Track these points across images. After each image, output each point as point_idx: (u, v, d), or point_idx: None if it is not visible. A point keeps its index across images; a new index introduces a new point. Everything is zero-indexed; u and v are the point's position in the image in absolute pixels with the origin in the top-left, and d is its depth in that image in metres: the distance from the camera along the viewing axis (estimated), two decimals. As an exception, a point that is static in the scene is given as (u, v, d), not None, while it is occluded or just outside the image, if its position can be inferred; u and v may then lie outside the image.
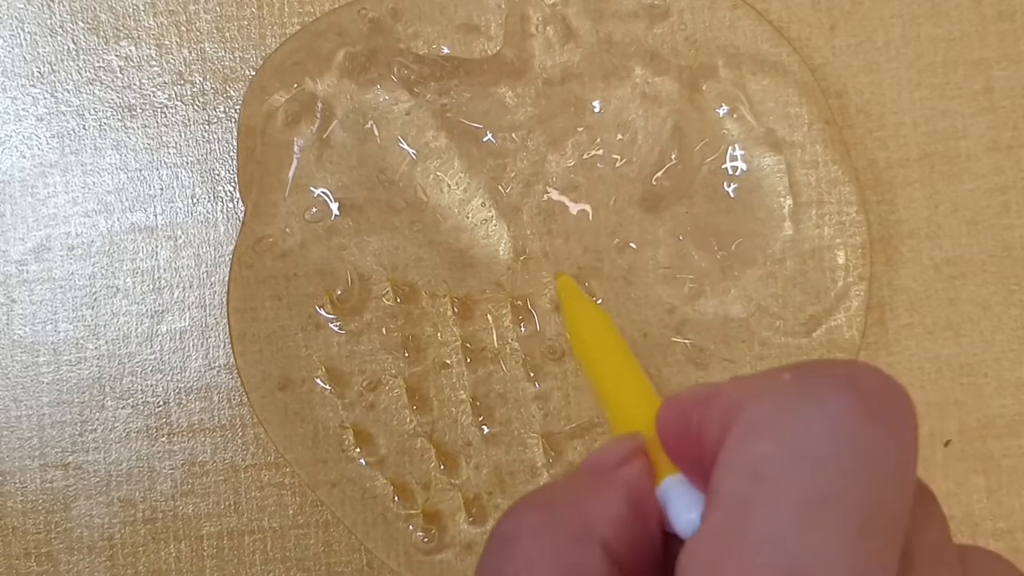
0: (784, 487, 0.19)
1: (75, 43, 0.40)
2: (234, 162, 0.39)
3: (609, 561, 0.21)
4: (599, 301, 0.39)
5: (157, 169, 0.40)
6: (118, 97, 0.40)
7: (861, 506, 0.19)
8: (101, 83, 0.40)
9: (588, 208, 0.39)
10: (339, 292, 0.38)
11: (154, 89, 0.40)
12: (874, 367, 0.21)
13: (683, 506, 0.22)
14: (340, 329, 0.38)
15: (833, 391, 0.20)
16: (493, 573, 0.22)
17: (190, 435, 0.39)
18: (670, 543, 0.23)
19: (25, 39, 0.40)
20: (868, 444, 0.19)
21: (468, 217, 0.39)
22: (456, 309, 0.39)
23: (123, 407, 0.39)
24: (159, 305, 0.39)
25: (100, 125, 0.40)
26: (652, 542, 0.23)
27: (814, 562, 0.18)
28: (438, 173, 0.39)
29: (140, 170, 0.40)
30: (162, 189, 0.40)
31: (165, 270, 0.40)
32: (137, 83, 0.40)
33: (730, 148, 0.39)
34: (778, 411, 0.20)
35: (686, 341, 0.39)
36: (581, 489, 0.23)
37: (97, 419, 0.39)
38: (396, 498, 0.38)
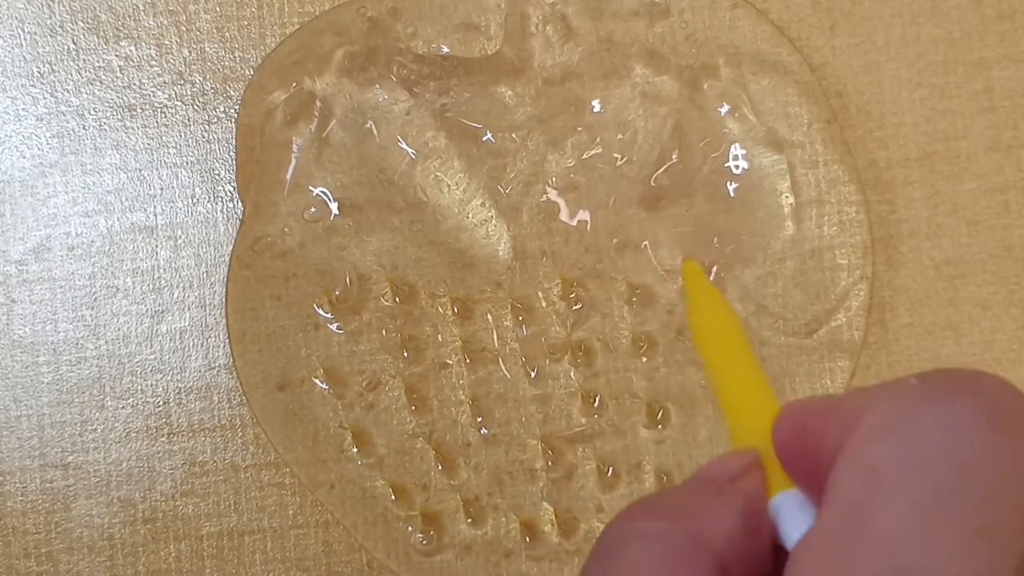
0: (902, 488, 0.19)
1: (75, 43, 0.40)
2: (234, 162, 0.39)
3: (719, 572, 0.21)
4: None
5: (157, 169, 0.39)
6: (118, 97, 0.40)
7: (978, 512, 0.19)
8: (101, 83, 0.40)
9: (588, 209, 0.38)
10: (338, 292, 0.38)
11: (154, 89, 0.39)
12: (1001, 378, 0.20)
13: (796, 521, 0.22)
14: (339, 329, 0.38)
15: (958, 397, 0.20)
16: (602, 572, 0.22)
17: (190, 435, 0.38)
18: (780, 558, 0.22)
19: (25, 39, 0.40)
20: (989, 452, 0.19)
21: (468, 217, 0.38)
22: (456, 309, 0.38)
23: (123, 407, 0.39)
24: (159, 305, 0.39)
25: (100, 125, 0.39)
26: (762, 556, 0.22)
27: (927, 563, 0.18)
28: (438, 173, 0.38)
29: (140, 170, 0.39)
30: (162, 189, 0.39)
31: (165, 270, 0.39)
32: (137, 83, 0.40)
33: (731, 147, 0.38)
34: (900, 414, 0.20)
35: (687, 342, 0.38)
36: (696, 499, 0.23)
37: (97, 419, 0.38)
38: (394, 498, 0.37)
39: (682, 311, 0.38)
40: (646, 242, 0.38)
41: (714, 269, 0.38)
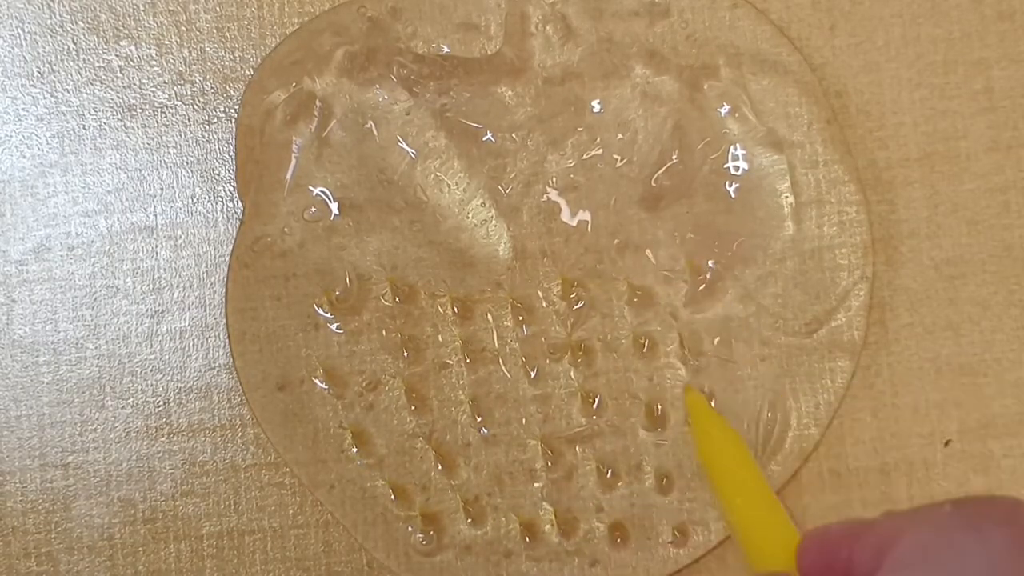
0: None
1: (75, 43, 0.40)
2: (234, 162, 0.38)
3: None
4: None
5: (157, 169, 0.39)
6: (118, 97, 0.39)
7: None
8: (101, 83, 0.39)
9: (588, 209, 0.38)
10: (338, 292, 0.38)
11: (154, 89, 0.39)
12: None
13: None
14: (339, 329, 0.38)
15: (994, 525, 0.20)
16: None
17: (190, 435, 0.38)
18: None
19: (25, 39, 0.39)
20: None
21: (468, 217, 0.38)
22: (456, 309, 0.38)
23: (123, 407, 0.38)
24: (159, 305, 0.39)
25: (100, 125, 0.39)
26: None
27: None
28: (438, 173, 0.38)
29: (140, 170, 0.39)
30: (162, 189, 0.39)
31: (165, 270, 0.39)
32: (137, 83, 0.39)
33: (731, 147, 0.38)
34: (936, 540, 0.20)
35: (686, 343, 0.38)
36: None
37: (97, 419, 0.38)
38: (394, 498, 0.37)
39: (682, 311, 0.38)
40: (648, 248, 0.38)
41: (713, 268, 0.38)
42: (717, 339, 0.38)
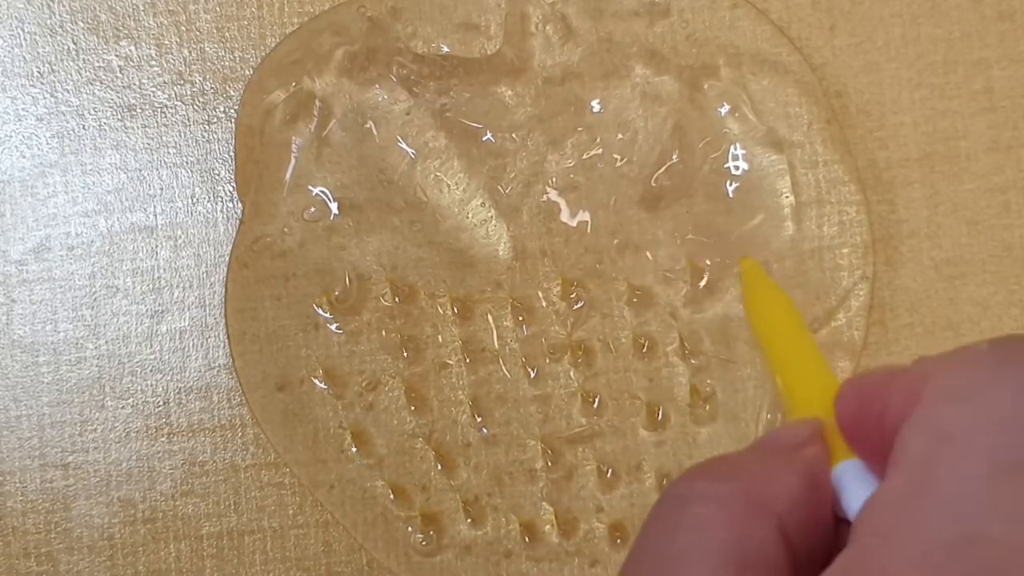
0: (974, 449, 0.18)
1: (75, 43, 0.39)
2: (234, 162, 0.38)
3: (781, 537, 0.21)
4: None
5: (157, 169, 0.39)
6: (118, 97, 0.39)
7: None
8: (101, 83, 0.39)
9: (588, 210, 0.38)
10: (338, 292, 0.37)
11: (154, 89, 0.39)
12: None
13: (858, 491, 0.22)
14: (339, 329, 0.37)
15: None
16: (663, 531, 0.21)
17: (190, 435, 0.38)
18: (841, 529, 0.22)
19: (25, 39, 0.39)
20: None
21: (468, 217, 0.38)
22: (456, 309, 0.38)
23: (123, 407, 0.38)
24: (159, 305, 0.38)
25: (100, 125, 0.39)
26: (824, 526, 0.22)
27: (1001, 531, 0.18)
28: (438, 173, 0.38)
29: (140, 170, 0.39)
30: (162, 189, 0.39)
31: (165, 270, 0.39)
32: (137, 83, 0.39)
33: (731, 147, 0.38)
34: (971, 376, 0.19)
35: (686, 343, 0.38)
36: (760, 464, 0.22)
37: (97, 419, 0.38)
38: (393, 497, 0.37)
39: (682, 311, 0.38)
40: (648, 248, 0.38)
41: (713, 268, 0.38)
42: (717, 339, 0.37)
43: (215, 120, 0.39)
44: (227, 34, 0.39)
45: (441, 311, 0.38)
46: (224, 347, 0.38)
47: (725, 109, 0.38)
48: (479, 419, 0.37)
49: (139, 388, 0.38)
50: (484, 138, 0.38)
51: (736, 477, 0.22)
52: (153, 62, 0.39)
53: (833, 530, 0.22)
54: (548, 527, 0.37)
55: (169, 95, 0.39)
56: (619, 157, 0.38)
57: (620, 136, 0.38)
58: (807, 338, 0.28)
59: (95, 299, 0.38)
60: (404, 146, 0.38)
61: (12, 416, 0.38)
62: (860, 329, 0.37)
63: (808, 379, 0.26)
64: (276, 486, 0.38)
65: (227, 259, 0.38)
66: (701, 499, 0.21)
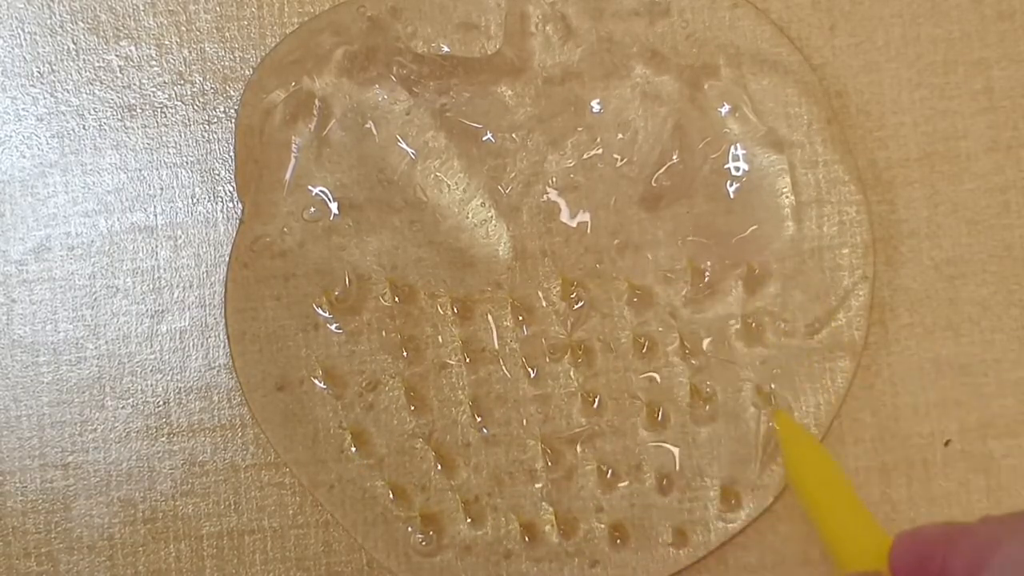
0: None
1: (75, 43, 0.39)
2: (234, 162, 0.38)
3: None
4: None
5: (157, 169, 0.39)
6: (118, 97, 0.39)
7: None
8: (101, 83, 0.39)
9: (588, 210, 0.38)
10: (337, 292, 0.37)
11: (154, 89, 0.39)
12: None
13: None
14: (339, 329, 0.37)
15: None
16: None
17: (190, 435, 0.38)
18: None
19: (25, 39, 0.39)
20: None
21: (468, 217, 0.38)
22: (455, 309, 0.37)
23: (123, 407, 0.38)
24: (159, 305, 0.38)
25: (100, 125, 0.39)
26: None
27: None
28: (438, 173, 0.38)
29: (140, 170, 0.39)
30: (162, 189, 0.39)
31: (165, 270, 0.38)
32: (137, 83, 0.39)
33: (731, 147, 0.38)
34: None
35: (686, 343, 0.37)
36: None
37: (97, 419, 0.38)
38: (393, 497, 0.37)
39: (682, 311, 0.37)
40: (648, 248, 0.37)
41: (713, 268, 0.37)
42: (717, 339, 0.37)
43: (215, 120, 0.39)
44: (227, 34, 0.39)
45: (441, 311, 0.37)
46: (224, 347, 0.38)
47: (725, 109, 0.38)
48: (479, 419, 0.37)
49: (139, 388, 0.38)
50: (484, 138, 0.38)
51: None
52: (153, 62, 0.39)
53: None
54: (548, 527, 0.37)
55: (169, 95, 0.39)
56: (619, 157, 0.38)
57: (620, 136, 0.38)
58: (850, 490, 0.28)
59: (95, 299, 0.38)
60: (404, 146, 0.38)
61: (12, 416, 0.38)
62: (860, 329, 0.37)
63: (855, 529, 0.26)
64: (276, 486, 0.38)
65: (227, 259, 0.38)
66: None
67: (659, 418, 0.37)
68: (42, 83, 0.39)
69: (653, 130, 0.38)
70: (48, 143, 0.39)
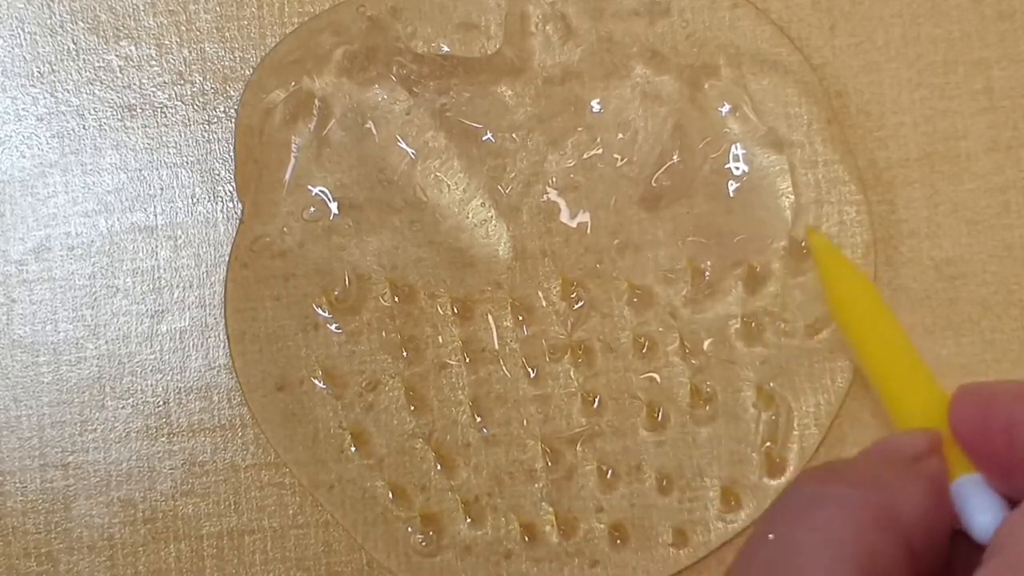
0: None
1: (75, 43, 0.39)
2: (234, 162, 0.38)
3: (908, 552, 0.21)
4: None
5: (157, 169, 0.38)
6: (118, 97, 0.39)
7: None
8: (101, 83, 0.39)
9: (588, 209, 0.38)
10: (337, 292, 0.37)
11: (154, 89, 0.39)
12: None
13: (980, 507, 0.22)
14: (338, 329, 0.37)
15: None
16: (789, 526, 0.21)
17: (190, 435, 0.38)
18: (956, 541, 0.22)
19: (25, 39, 0.39)
20: None
21: (467, 217, 0.38)
22: (455, 309, 0.37)
23: (123, 407, 0.38)
24: (159, 305, 0.38)
25: (100, 125, 0.39)
26: (944, 538, 0.22)
27: None
28: (438, 173, 0.38)
29: (140, 170, 0.38)
30: (162, 189, 0.38)
31: (165, 270, 0.38)
32: (137, 83, 0.39)
33: (732, 147, 0.37)
34: None
35: (687, 343, 0.37)
36: (886, 474, 0.22)
37: (97, 419, 0.38)
38: (392, 497, 0.37)
39: (682, 311, 0.37)
40: (648, 248, 0.37)
41: (713, 268, 0.37)
42: (717, 339, 0.37)
43: (215, 120, 0.39)
44: (227, 34, 0.39)
45: (441, 311, 0.37)
46: (224, 347, 0.37)
47: (726, 109, 0.37)
48: (479, 419, 0.37)
49: (139, 388, 0.38)
50: (484, 138, 0.37)
51: (865, 485, 0.21)
52: (153, 62, 0.39)
53: (949, 542, 0.22)
54: (548, 527, 0.36)
55: (169, 95, 0.39)
56: (619, 157, 0.37)
57: (620, 136, 0.37)
58: (905, 340, 0.27)
59: (95, 299, 0.38)
60: (404, 146, 0.37)
61: (12, 416, 0.38)
62: (861, 329, 0.37)
63: (911, 385, 0.25)
64: (276, 486, 0.37)
65: (227, 259, 0.37)
66: (832, 503, 0.21)
67: (659, 418, 0.37)
68: (42, 83, 0.39)
69: (653, 130, 0.37)
70: (48, 143, 0.39)
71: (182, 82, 0.39)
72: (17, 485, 0.37)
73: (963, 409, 0.22)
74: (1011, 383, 0.22)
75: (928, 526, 0.21)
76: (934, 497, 0.22)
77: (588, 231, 0.37)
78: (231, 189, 0.38)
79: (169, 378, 0.38)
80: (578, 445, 0.37)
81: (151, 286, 0.38)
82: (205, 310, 0.38)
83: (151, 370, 0.38)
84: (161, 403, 0.38)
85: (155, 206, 0.38)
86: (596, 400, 0.37)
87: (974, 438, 0.22)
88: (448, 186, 0.37)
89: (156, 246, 0.38)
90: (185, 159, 0.38)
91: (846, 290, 0.30)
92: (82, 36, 0.39)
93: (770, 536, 0.21)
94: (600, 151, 0.37)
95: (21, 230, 0.38)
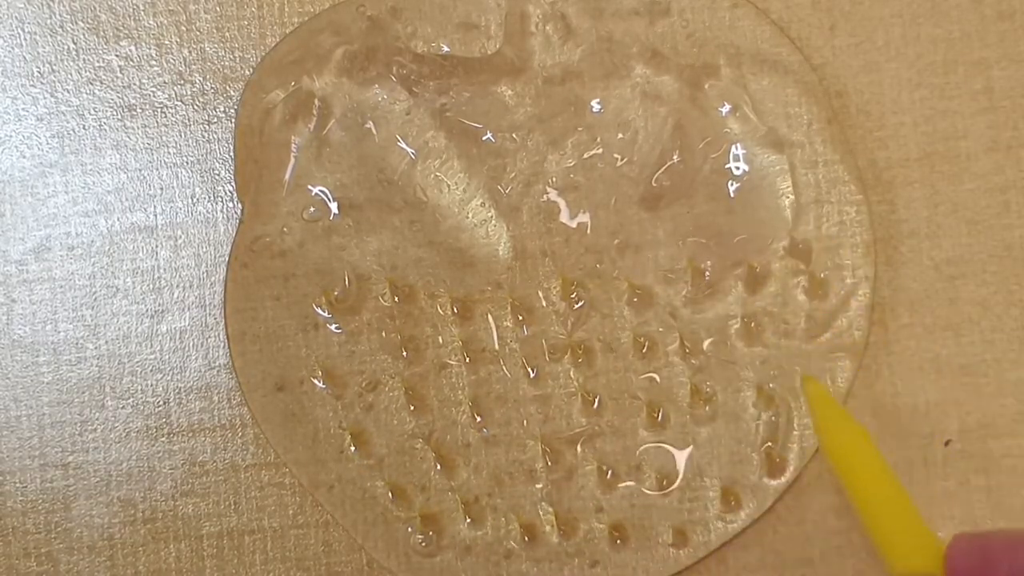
0: None
1: (75, 43, 0.39)
2: (234, 162, 0.38)
3: None
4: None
5: (157, 169, 0.38)
6: (118, 97, 0.39)
7: None
8: (101, 83, 0.39)
9: (588, 209, 0.37)
10: (337, 292, 0.37)
11: (154, 89, 0.38)
12: None
13: None
14: (338, 329, 0.37)
15: None
16: None
17: (190, 435, 0.38)
18: None
19: (25, 39, 0.39)
20: None
21: (467, 217, 0.37)
22: (455, 309, 0.37)
23: (123, 407, 0.38)
24: (159, 305, 0.38)
25: (100, 125, 0.38)
26: None
27: None
28: (438, 173, 0.37)
29: (140, 170, 0.38)
30: (162, 189, 0.38)
31: (165, 270, 0.38)
32: (137, 83, 0.39)
33: (732, 147, 0.37)
34: None
35: (687, 343, 0.37)
36: None
37: (97, 419, 0.37)
38: (392, 497, 0.36)
39: (682, 311, 0.37)
40: (648, 248, 0.37)
41: (713, 268, 0.37)
42: (717, 339, 0.37)
43: (215, 120, 0.38)
44: (227, 34, 0.39)
45: (441, 311, 0.37)
46: (224, 347, 0.37)
47: (726, 109, 0.37)
48: (479, 419, 0.37)
49: (139, 388, 0.38)
50: (484, 138, 0.37)
51: None
52: (153, 62, 0.39)
53: None
54: (548, 527, 0.36)
55: (169, 95, 0.38)
56: (619, 157, 0.37)
57: (620, 136, 0.37)
58: (898, 487, 0.27)
59: (95, 299, 0.38)
60: (404, 146, 0.37)
61: (12, 416, 0.38)
62: (861, 329, 0.37)
63: (906, 530, 0.25)
64: (276, 486, 0.37)
65: (227, 259, 0.37)
66: None
67: (659, 418, 0.37)
68: (42, 83, 0.39)
69: (653, 130, 0.37)
70: (48, 143, 0.38)
71: (182, 82, 0.38)
72: (17, 485, 0.37)
73: (961, 555, 0.22)
74: (1007, 531, 0.22)
75: None
76: None
77: (588, 231, 0.37)
78: (231, 189, 0.38)
79: (169, 378, 0.38)
80: (578, 445, 0.37)
81: (151, 286, 0.38)
82: (205, 310, 0.38)
83: (151, 370, 0.38)
84: (161, 403, 0.37)
85: (155, 206, 0.38)
86: (596, 400, 0.37)
87: None
88: (448, 186, 0.37)
89: (156, 246, 0.38)
90: (185, 159, 0.38)
91: (841, 439, 0.30)
92: (82, 36, 0.39)
93: None
94: (600, 151, 0.37)
95: (21, 230, 0.38)
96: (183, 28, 0.39)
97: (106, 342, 0.38)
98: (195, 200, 0.38)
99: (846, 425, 0.31)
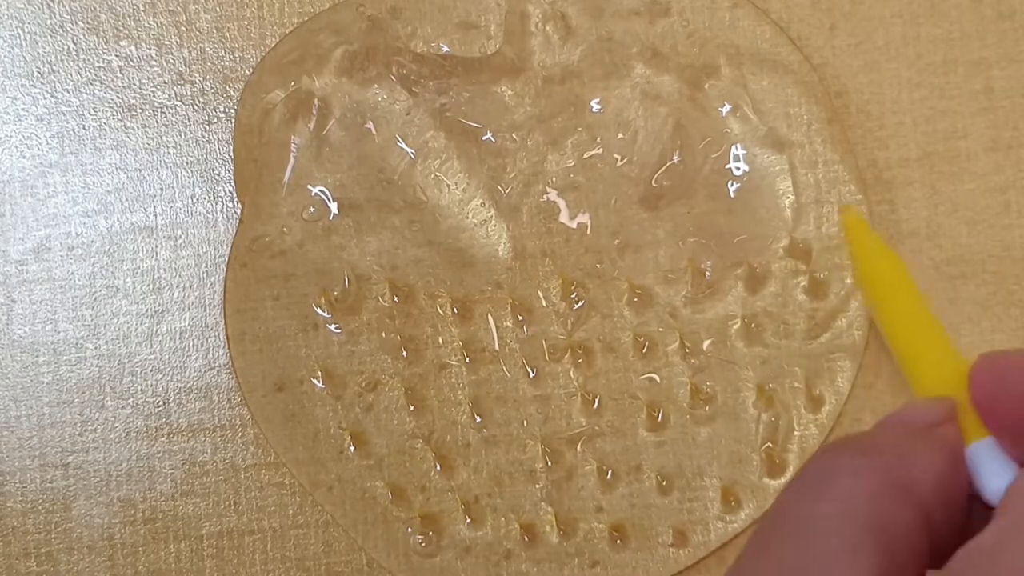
0: None
1: (75, 43, 0.39)
2: (233, 162, 0.38)
3: (924, 521, 0.21)
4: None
5: (157, 169, 0.38)
6: (118, 97, 0.38)
7: None
8: (101, 83, 0.38)
9: (588, 210, 0.37)
10: (337, 292, 0.37)
11: (154, 89, 0.38)
12: None
13: (994, 472, 0.22)
14: (338, 329, 0.37)
15: None
16: (808, 498, 0.21)
17: (190, 435, 0.37)
18: (973, 505, 0.22)
19: (25, 39, 0.39)
20: None
21: (468, 217, 0.37)
22: (455, 309, 0.37)
23: (123, 407, 0.37)
24: (159, 305, 0.38)
25: (100, 125, 0.38)
26: (960, 503, 0.22)
27: None
28: (438, 173, 0.37)
29: (140, 170, 0.38)
30: (162, 189, 0.38)
31: (165, 270, 0.38)
32: (137, 83, 0.38)
33: (732, 147, 0.37)
34: None
35: (687, 343, 0.37)
36: (901, 443, 0.22)
37: (97, 419, 0.37)
38: (392, 497, 0.36)
39: (683, 311, 0.37)
40: (648, 248, 0.37)
41: (714, 268, 0.37)
42: (717, 339, 0.37)
43: (215, 120, 0.38)
44: (227, 34, 0.38)
45: (441, 311, 0.37)
46: (224, 347, 0.37)
47: (726, 109, 0.37)
48: (479, 419, 0.36)
49: (139, 388, 0.37)
50: (484, 138, 0.37)
51: (881, 454, 0.21)
52: (153, 62, 0.38)
53: (966, 507, 0.22)
54: (548, 528, 0.36)
55: (169, 95, 0.38)
56: (619, 157, 0.37)
57: (620, 136, 0.37)
58: (927, 311, 0.28)
59: (95, 299, 0.38)
60: (404, 146, 0.37)
61: (12, 416, 0.37)
62: (861, 329, 0.36)
63: (933, 355, 0.26)
64: (276, 486, 0.37)
65: (227, 259, 0.37)
66: (847, 473, 0.21)
67: (659, 418, 0.36)
68: (42, 83, 0.38)
69: (653, 130, 0.37)
70: (48, 143, 0.38)
71: (182, 82, 0.38)
72: (17, 485, 0.37)
73: (983, 375, 0.23)
74: None
75: (943, 492, 0.21)
76: (949, 463, 0.22)
77: (588, 231, 0.37)
78: (231, 189, 0.38)
79: (169, 378, 0.37)
80: (578, 445, 0.36)
81: (151, 286, 0.38)
82: (205, 310, 0.38)
83: (151, 370, 0.37)
84: (161, 403, 0.37)
85: (155, 206, 0.38)
86: (596, 400, 0.36)
87: (992, 404, 0.22)
88: (448, 186, 0.37)
89: (156, 246, 0.38)
90: (185, 159, 0.38)
91: (874, 263, 0.30)
92: (82, 36, 0.39)
93: (786, 510, 0.21)
94: (600, 151, 0.37)
95: (21, 230, 0.38)
96: (183, 28, 0.38)
97: (106, 342, 0.38)
98: (195, 200, 0.38)
99: (881, 251, 0.31)
